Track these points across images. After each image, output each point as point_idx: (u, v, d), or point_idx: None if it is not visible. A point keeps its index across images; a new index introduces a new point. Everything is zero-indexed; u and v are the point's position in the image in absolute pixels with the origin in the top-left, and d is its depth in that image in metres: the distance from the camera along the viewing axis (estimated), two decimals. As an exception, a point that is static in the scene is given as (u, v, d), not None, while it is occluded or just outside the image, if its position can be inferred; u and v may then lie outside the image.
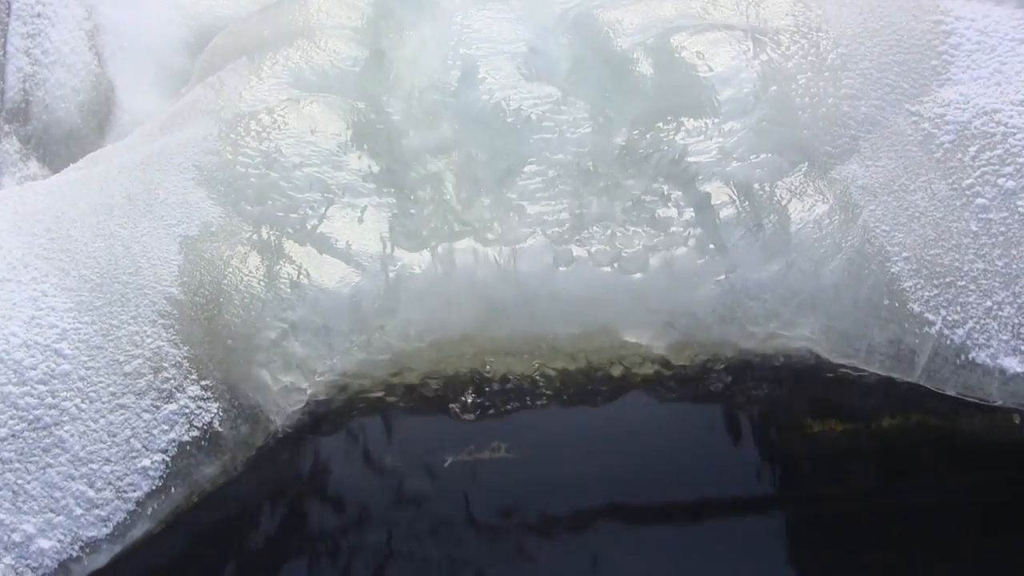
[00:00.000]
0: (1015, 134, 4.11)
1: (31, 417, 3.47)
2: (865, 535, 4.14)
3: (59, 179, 4.51)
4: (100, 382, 3.59)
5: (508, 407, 3.96)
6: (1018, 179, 4.02)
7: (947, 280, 3.87)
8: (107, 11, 6.19)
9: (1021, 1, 4.76)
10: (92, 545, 3.40)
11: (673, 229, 4.16)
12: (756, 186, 4.21)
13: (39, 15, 5.67)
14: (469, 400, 3.96)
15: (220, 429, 3.66)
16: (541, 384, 3.97)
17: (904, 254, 3.93)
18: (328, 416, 3.91)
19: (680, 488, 4.12)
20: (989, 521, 4.06)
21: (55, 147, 5.54)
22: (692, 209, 4.20)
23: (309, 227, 4.17)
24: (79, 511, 3.41)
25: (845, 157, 4.24)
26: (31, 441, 3.44)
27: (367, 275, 4.05)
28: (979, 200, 4.01)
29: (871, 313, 3.90)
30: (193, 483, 3.61)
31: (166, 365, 3.67)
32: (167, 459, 3.55)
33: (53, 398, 3.52)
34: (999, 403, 3.81)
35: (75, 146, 5.55)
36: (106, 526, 3.43)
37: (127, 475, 3.49)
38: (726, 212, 4.16)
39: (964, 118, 4.21)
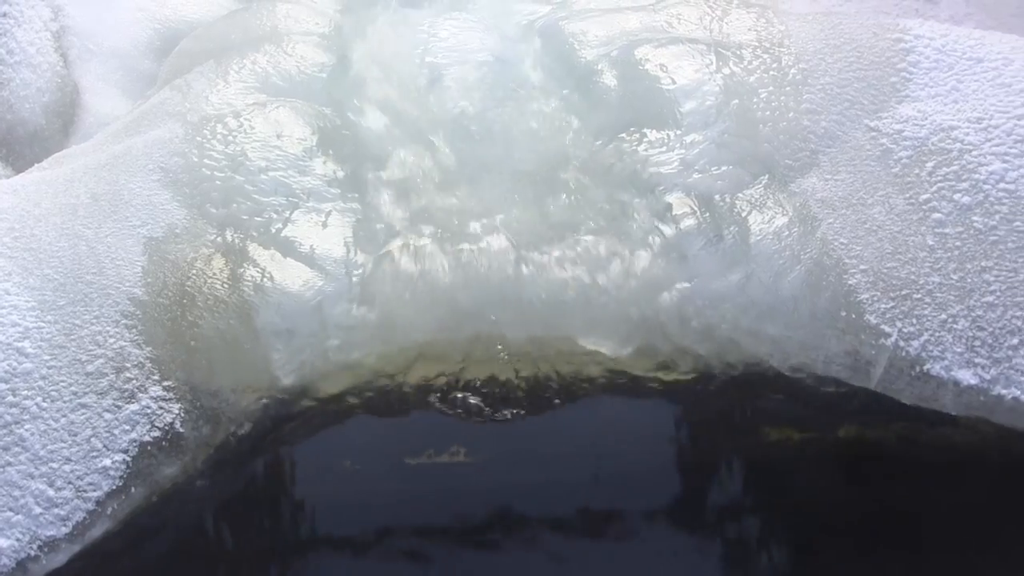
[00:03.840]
0: (971, 151, 4.17)
1: (-9, 415, 3.48)
2: (823, 543, 4.18)
3: (23, 179, 4.49)
4: (62, 381, 3.59)
5: (468, 411, 3.98)
6: (973, 195, 4.07)
7: (903, 293, 3.91)
8: (74, 13, 6.18)
9: (979, 21, 4.82)
10: (51, 544, 3.39)
11: (635, 238, 4.18)
12: (717, 197, 4.24)
13: (5, 15, 5.66)
14: (429, 403, 3.98)
15: (181, 430, 3.66)
16: (501, 388, 3.99)
17: (862, 267, 3.97)
18: (289, 418, 3.91)
19: (637, 495, 4.16)
20: (946, 529, 4.11)
21: (19, 148, 5.53)
22: (654, 219, 4.22)
23: (273, 231, 4.18)
24: (38, 510, 3.40)
25: (805, 171, 4.28)
26: (-9, 439, 3.45)
27: (330, 279, 4.06)
28: (935, 215, 4.06)
29: (828, 324, 3.93)
30: (153, 483, 3.60)
31: (128, 365, 3.68)
32: (128, 459, 3.55)
33: (14, 396, 3.52)
34: (953, 414, 3.85)
35: (39, 147, 5.54)
36: (65, 525, 3.42)
37: (87, 474, 3.48)
38: (687, 222, 4.19)
39: (922, 134, 4.26)
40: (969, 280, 3.92)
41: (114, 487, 3.51)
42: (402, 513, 4.09)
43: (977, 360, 3.82)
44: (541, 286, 4.07)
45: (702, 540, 4.19)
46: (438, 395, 3.99)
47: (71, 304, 3.76)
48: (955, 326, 3.86)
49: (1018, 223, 4.00)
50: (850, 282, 3.95)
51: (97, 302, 3.79)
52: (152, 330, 3.79)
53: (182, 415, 3.68)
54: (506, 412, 3.99)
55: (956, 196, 4.08)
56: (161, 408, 3.65)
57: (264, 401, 3.87)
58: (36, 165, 4.73)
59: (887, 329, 3.87)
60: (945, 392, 3.83)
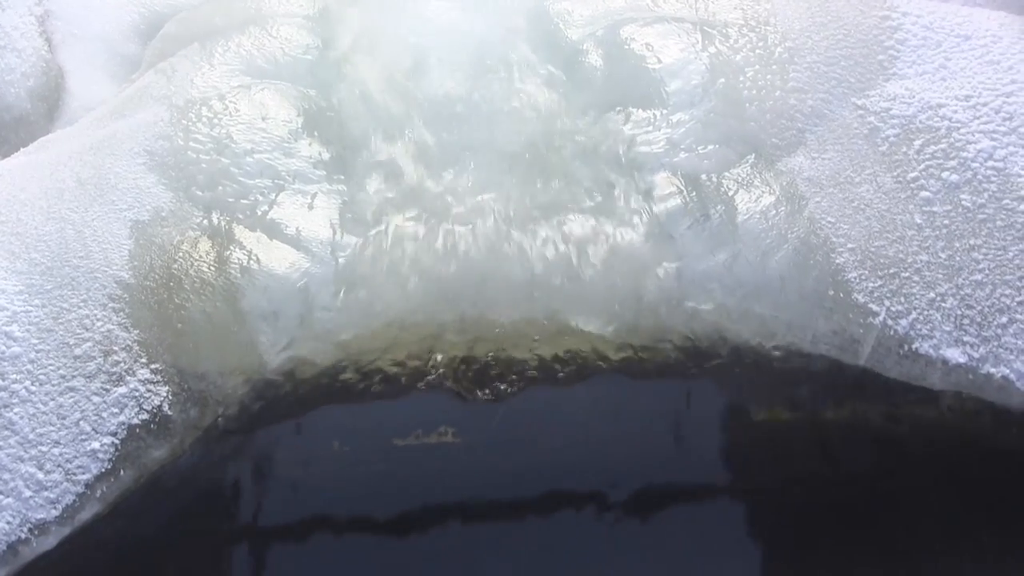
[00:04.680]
0: (959, 128, 4.17)
1: (-20, 399, 3.48)
2: (810, 523, 4.19)
3: (9, 163, 4.49)
4: (50, 365, 3.59)
5: (456, 391, 3.98)
6: (961, 173, 4.08)
7: (891, 271, 3.91)
8: (58, -4, 6.18)
9: (966, -2, 4.82)
10: (41, 527, 3.40)
11: (621, 218, 4.17)
12: (703, 177, 4.24)
13: (-11, 0, 5.66)
14: (417, 385, 3.98)
15: (170, 412, 3.67)
16: (489, 368, 3.98)
17: (849, 245, 3.98)
18: (277, 400, 3.90)
19: (625, 475, 4.16)
20: (936, 508, 4.13)
21: (4, 133, 5.51)
22: (640, 198, 4.22)
23: (259, 213, 4.17)
24: (28, 493, 3.41)
25: (792, 149, 4.28)
26: (-21, 423, 3.45)
27: (316, 261, 4.05)
28: (923, 193, 4.07)
29: (816, 303, 3.94)
30: (142, 466, 3.61)
31: (116, 348, 3.68)
32: (116, 442, 3.55)
33: (2, 380, 3.52)
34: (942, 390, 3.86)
35: (24, 132, 5.52)
36: (55, 508, 3.43)
37: (76, 457, 3.49)
38: (673, 202, 4.19)
39: (909, 112, 4.26)
40: (957, 258, 3.92)
41: (103, 470, 3.52)
42: (391, 494, 4.09)
43: (966, 339, 3.83)
44: (527, 266, 4.06)
45: (690, 520, 4.19)
46: (425, 376, 3.98)
47: (58, 288, 3.76)
48: (943, 304, 3.87)
49: (1006, 201, 4.01)
50: (838, 261, 3.95)
51: (84, 286, 3.79)
52: (139, 313, 3.79)
53: (170, 398, 3.68)
54: (493, 392, 3.98)
55: (944, 174, 4.09)
56: (149, 391, 3.65)
57: (251, 383, 3.86)
58: (22, 150, 4.73)
59: (875, 308, 3.87)
60: (934, 371, 3.84)
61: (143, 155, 4.29)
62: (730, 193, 4.18)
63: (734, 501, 4.23)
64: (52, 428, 3.50)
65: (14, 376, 3.54)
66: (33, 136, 5.18)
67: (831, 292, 3.92)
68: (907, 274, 3.91)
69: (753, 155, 4.30)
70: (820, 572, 4.16)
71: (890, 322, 3.85)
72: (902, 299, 3.87)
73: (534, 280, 4.05)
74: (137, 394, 3.64)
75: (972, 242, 3.95)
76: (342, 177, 4.37)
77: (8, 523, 3.35)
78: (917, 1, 4.75)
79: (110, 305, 3.76)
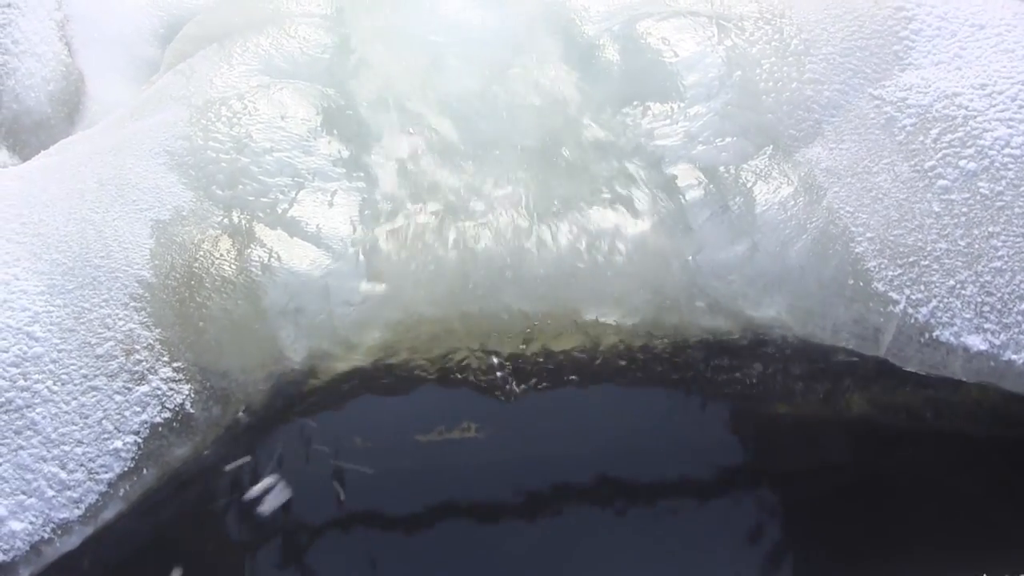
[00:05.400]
0: (975, 117, 4.16)
1: (2, 399, 3.48)
2: (835, 513, 4.19)
3: (30, 165, 4.51)
4: (72, 364, 3.60)
5: (478, 386, 3.99)
6: (979, 160, 4.07)
7: (911, 260, 3.91)
8: (77, 1, 6.20)
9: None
10: (64, 527, 3.40)
11: (640, 211, 4.19)
12: (722, 169, 4.25)
13: (9, 5, 5.67)
14: (439, 380, 3.99)
15: (192, 410, 3.68)
16: (510, 363, 3.99)
17: (868, 235, 3.97)
18: (299, 397, 3.92)
19: (648, 468, 4.17)
20: (959, 499, 4.12)
21: (25, 136, 5.54)
22: (659, 191, 4.23)
23: (280, 211, 4.19)
24: (51, 493, 3.41)
25: (809, 140, 4.28)
26: (2, 423, 3.45)
27: (337, 258, 4.06)
28: (941, 181, 4.06)
29: (836, 293, 3.94)
30: (164, 464, 3.62)
31: (138, 347, 3.69)
32: (139, 440, 3.56)
33: (25, 380, 3.53)
34: (963, 379, 3.85)
35: (45, 135, 5.55)
36: (78, 507, 3.43)
37: (99, 456, 3.50)
38: (692, 194, 4.20)
39: (925, 102, 4.25)
40: (976, 246, 3.92)
41: (126, 468, 3.53)
42: (414, 490, 4.10)
43: (986, 326, 3.82)
44: (548, 260, 4.07)
45: (712, 512, 4.20)
46: (447, 371, 4.00)
47: (80, 288, 3.77)
48: (963, 292, 3.86)
49: (1024, 187, 4.01)
50: (857, 250, 3.95)
51: (106, 285, 3.80)
52: (161, 312, 3.80)
53: (192, 396, 3.70)
54: (515, 387, 4.00)
55: (961, 162, 4.08)
56: (171, 389, 3.67)
57: (273, 380, 3.87)
58: (42, 152, 4.74)
59: (895, 296, 3.87)
60: (955, 358, 3.83)
61: (163, 155, 4.31)
62: (748, 184, 4.18)
63: (757, 492, 4.23)
64: (75, 427, 3.51)
65: (36, 376, 3.55)
66: (53, 139, 5.20)
67: (851, 281, 3.92)
68: (926, 262, 3.90)
69: (771, 146, 4.30)
70: (845, 562, 4.16)
71: (910, 310, 3.85)
72: (922, 287, 3.87)
73: (555, 274, 4.06)
74: (159, 392, 3.65)
75: (991, 229, 3.94)
76: (361, 174, 4.38)
77: (32, 523, 3.36)
78: (931, -9, 4.75)
79: (131, 304, 3.78)
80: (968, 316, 3.83)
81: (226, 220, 4.13)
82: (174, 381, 3.68)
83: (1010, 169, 4.04)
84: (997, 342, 3.81)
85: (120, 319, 3.73)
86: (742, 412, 4.19)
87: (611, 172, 4.34)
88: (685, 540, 4.14)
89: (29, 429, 3.47)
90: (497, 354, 4.00)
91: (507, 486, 4.13)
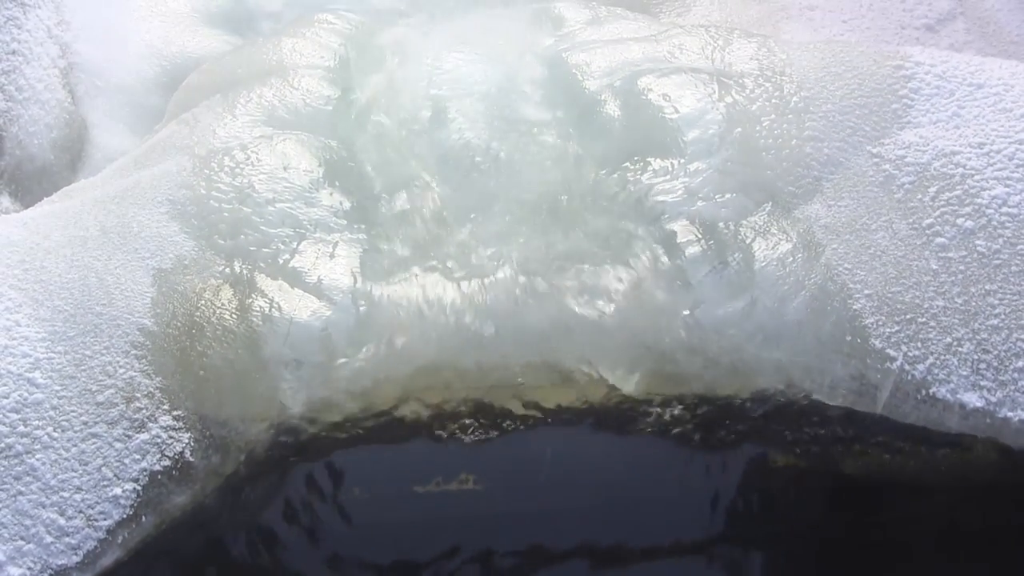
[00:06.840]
0: (973, 176, 4.20)
1: (2, 445, 3.50)
2: (831, 570, 4.19)
3: (33, 212, 4.52)
4: (72, 411, 3.62)
5: (476, 439, 3.99)
6: (976, 219, 4.10)
7: (908, 317, 3.93)
8: (82, 50, 6.22)
9: (979, 48, 4.86)
10: (62, 573, 3.42)
11: (640, 266, 4.20)
12: (721, 225, 4.26)
13: (14, 52, 5.70)
14: (437, 432, 3.99)
15: (191, 459, 3.69)
16: (509, 416, 4.00)
17: (866, 291, 3.99)
18: (298, 447, 3.92)
19: (645, 521, 4.17)
20: (953, 553, 4.13)
21: (27, 183, 5.55)
22: (658, 246, 4.24)
23: (281, 261, 4.20)
24: (49, 539, 3.43)
25: (808, 197, 4.30)
26: (2, 469, 3.47)
27: (338, 309, 4.07)
28: (939, 239, 4.09)
29: (834, 349, 3.95)
30: (163, 512, 3.63)
31: (138, 395, 3.70)
32: (138, 488, 3.57)
33: (25, 426, 3.55)
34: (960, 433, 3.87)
35: (47, 182, 5.57)
36: (76, 554, 3.45)
37: (98, 503, 3.51)
38: (692, 250, 4.21)
39: (924, 160, 4.28)
40: (973, 303, 3.94)
41: (124, 516, 3.53)
42: (411, 542, 4.10)
43: (983, 383, 3.84)
44: (547, 315, 4.08)
45: (710, 567, 4.19)
46: (446, 423, 4.00)
47: (81, 335, 3.79)
48: (960, 349, 3.89)
49: (1021, 246, 4.03)
50: (855, 307, 3.97)
51: (107, 333, 3.81)
52: (161, 360, 3.81)
53: (192, 444, 3.71)
54: (514, 440, 4.00)
55: (959, 220, 4.11)
56: (171, 437, 3.67)
57: (273, 430, 3.88)
58: (45, 199, 4.74)
59: (892, 353, 3.89)
60: (951, 415, 3.85)
61: (166, 204, 4.33)
62: (748, 240, 4.20)
63: (755, 547, 4.23)
64: (74, 474, 3.52)
65: (36, 422, 3.56)
66: (56, 186, 5.21)
67: (848, 338, 3.94)
68: (924, 319, 3.92)
69: (770, 203, 4.32)
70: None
71: (907, 367, 3.87)
72: (919, 344, 3.89)
73: (554, 329, 4.07)
74: (159, 440, 3.66)
75: (988, 287, 3.97)
76: (363, 226, 4.40)
77: (30, 569, 3.37)
78: (930, 51, 4.78)
79: (132, 352, 3.79)
80: (965, 373, 3.85)
81: (228, 270, 4.14)
82: (174, 429, 3.69)
83: (1007, 228, 4.07)
84: (993, 399, 3.82)
85: (121, 367, 3.74)
86: (741, 466, 4.19)
87: (611, 227, 4.35)
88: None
89: (28, 475, 3.48)
90: (495, 407, 4.01)
91: (505, 538, 4.13)
